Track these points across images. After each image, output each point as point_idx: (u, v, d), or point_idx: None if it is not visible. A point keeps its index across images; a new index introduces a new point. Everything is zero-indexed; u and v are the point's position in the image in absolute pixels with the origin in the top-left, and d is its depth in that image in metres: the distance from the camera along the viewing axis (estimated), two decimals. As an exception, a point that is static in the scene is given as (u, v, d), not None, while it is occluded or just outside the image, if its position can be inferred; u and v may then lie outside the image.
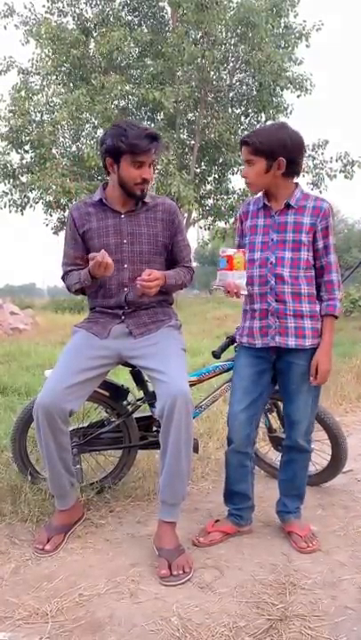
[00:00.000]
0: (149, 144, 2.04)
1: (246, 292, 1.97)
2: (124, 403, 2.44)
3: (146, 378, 2.32)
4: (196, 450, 2.37)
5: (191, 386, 2.47)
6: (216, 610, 1.72)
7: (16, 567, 1.97)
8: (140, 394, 2.44)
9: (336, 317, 2.00)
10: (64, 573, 1.93)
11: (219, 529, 2.19)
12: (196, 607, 1.73)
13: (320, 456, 2.60)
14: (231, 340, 2.46)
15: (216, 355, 2.48)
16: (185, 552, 1.98)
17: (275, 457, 2.73)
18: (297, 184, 2.05)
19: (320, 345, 2.00)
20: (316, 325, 2.01)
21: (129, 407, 2.44)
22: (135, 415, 2.47)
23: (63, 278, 2.30)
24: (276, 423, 2.64)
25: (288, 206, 2.01)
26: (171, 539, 2.01)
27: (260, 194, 2.12)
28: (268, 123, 2.15)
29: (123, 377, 2.99)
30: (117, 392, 2.43)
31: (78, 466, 2.35)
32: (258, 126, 16.93)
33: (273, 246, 2.02)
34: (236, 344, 2.45)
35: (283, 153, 1.93)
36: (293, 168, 1.99)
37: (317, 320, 2.01)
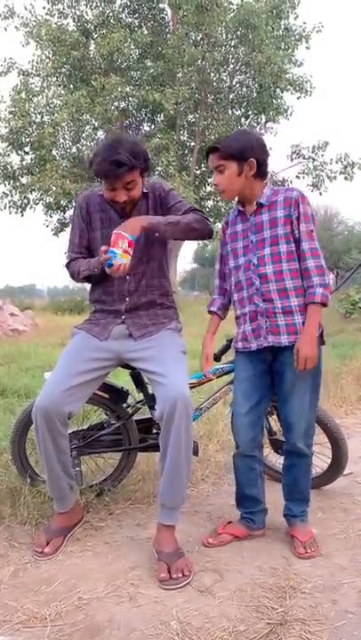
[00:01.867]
0: (112, 170, 1.98)
1: (108, 265, 1.95)
2: (124, 405, 2.43)
3: (146, 380, 2.31)
4: (195, 453, 2.36)
5: (191, 388, 2.46)
6: (216, 614, 1.71)
7: (15, 570, 1.96)
8: (140, 396, 2.44)
9: (322, 304, 1.94)
10: (63, 577, 1.92)
11: (229, 531, 2.18)
12: (196, 611, 1.72)
13: (320, 459, 2.59)
14: (231, 343, 2.45)
15: (216, 357, 2.47)
16: (184, 555, 1.97)
17: (275, 459, 2.73)
18: (265, 183, 2.07)
19: (302, 331, 1.96)
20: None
21: (129, 409, 2.43)
22: (135, 417, 2.46)
23: (67, 265, 2.28)
24: (276, 426, 2.63)
25: (261, 205, 2.03)
26: (170, 542, 2.00)
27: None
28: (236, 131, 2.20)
29: (122, 379, 2.98)
30: (117, 394, 2.42)
31: (78, 468, 2.34)
32: (258, 127, 16.98)
33: (253, 247, 2.05)
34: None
35: (252, 154, 1.98)
36: (262, 169, 2.03)
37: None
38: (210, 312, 2.30)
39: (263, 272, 2.01)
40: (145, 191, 2.21)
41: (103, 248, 1.98)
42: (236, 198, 2.13)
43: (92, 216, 2.22)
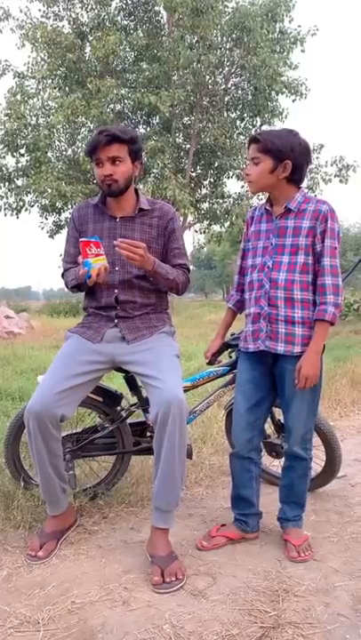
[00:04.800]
0: (99, 138, 2.06)
1: (87, 278, 1.99)
2: (118, 408, 2.43)
3: (140, 383, 2.31)
4: (189, 456, 2.36)
5: (185, 392, 2.47)
6: (209, 617, 1.71)
7: (8, 574, 1.96)
8: (134, 399, 2.43)
9: (331, 323, 1.95)
10: (56, 580, 1.91)
11: (223, 534, 2.18)
12: (189, 615, 1.72)
13: (314, 461, 2.58)
14: (225, 346, 2.45)
15: (210, 361, 2.47)
16: (178, 559, 1.97)
17: (268, 462, 2.73)
18: (300, 188, 2.04)
19: (306, 349, 1.97)
20: (308, 333, 1.98)
21: (123, 413, 2.43)
22: (129, 421, 2.46)
23: (63, 275, 2.35)
24: (269, 429, 2.63)
25: (288, 210, 2.00)
26: (164, 545, 2.00)
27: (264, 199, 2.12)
28: (280, 127, 2.18)
29: (117, 382, 2.98)
30: (111, 398, 2.42)
31: (71, 472, 2.34)
32: (253, 130, 17.03)
33: (271, 250, 2.02)
34: (230, 349, 2.46)
35: (290, 156, 1.93)
36: (297, 174, 1.98)
37: (310, 327, 1.98)
38: (228, 307, 2.35)
39: (275, 277, 2.00)
40: (150, 207, 2.24)
41: (79, 259, 2.02)
42: (265, 197, 2.12)
43: (85, 226, 2.25)
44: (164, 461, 1.95)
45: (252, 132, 16.88)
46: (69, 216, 2.39)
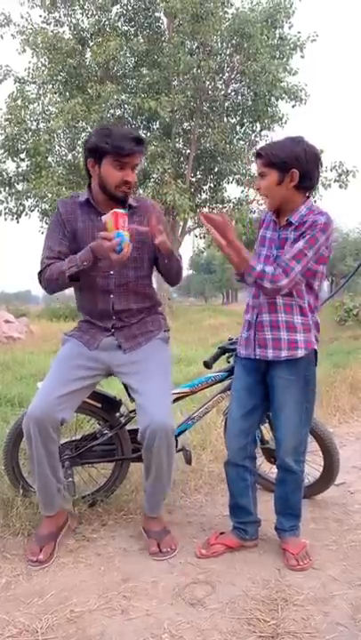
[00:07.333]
0: (134, 147, 2.01)
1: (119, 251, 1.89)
2: (117, 414, 2.43)
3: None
4: (188, 462, 2.37)
5: (184, 397, 2.49)
6: (207, 627, 1.70)
7: (7, 582, 1.95)
8: (133, 405, 2.43)
9: (256, 283, 1.90)
10: (55, 589, 1.91)
11: (222, 542, 2.17)
12: (188, 624, 1.72)
13: (312, 468, 2.58)
14: (223, 351, 2.46)
15: (208, 365, 2.48)
16: (170, 533, 2.17)
17: (268, 469, 2.73)
18: (308, 198, 2.01)
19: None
20: (293, 337, 1.98)
21: (122, 419, 2.43)
22: (128, 427, 2.46)
23: (41, 273, 2.12)
24: (268, 434, 2.63)
25: (289, 223, 1.98)
26: (158, 522, 2.20)
27: None
28: (284, 137, 2.12)
29: (116, 387, 2.98)
30: (110, 403, 2.42)
31: (71, 479, 2.34)
32: (253, 135, 17.09)
33: (271, 262, 2.01)
34: (228, 355, 2.47)
35: (296, 165, 1.90)
36: (307, 182, 1.95)
37: (295, 332, 1.99)
38: None
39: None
40: (137, 204, 2.21)
41: (103, 234, 1.91)
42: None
43: (74, 224, 2.14)
44: (153, 478, 2.10)
45: (252, 138, 17.01)
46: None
